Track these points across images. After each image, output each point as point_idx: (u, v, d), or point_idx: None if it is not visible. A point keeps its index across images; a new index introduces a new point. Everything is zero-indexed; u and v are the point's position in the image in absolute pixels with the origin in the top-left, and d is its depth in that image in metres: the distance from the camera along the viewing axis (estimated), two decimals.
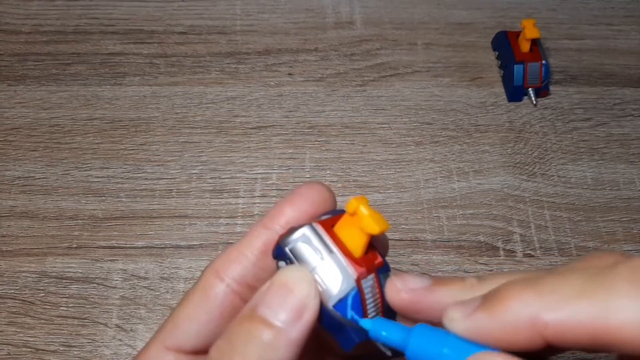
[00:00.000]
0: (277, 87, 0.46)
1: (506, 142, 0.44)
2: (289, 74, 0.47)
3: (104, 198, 0.40)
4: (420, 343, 0.19)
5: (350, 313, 0.20)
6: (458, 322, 0.18)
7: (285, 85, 0.46)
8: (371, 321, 0.20)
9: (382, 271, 0.21)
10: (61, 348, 0.35)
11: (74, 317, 0.36)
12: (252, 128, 0.44)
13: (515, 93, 0.45)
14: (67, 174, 0.41)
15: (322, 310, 0.20)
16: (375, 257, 0.21)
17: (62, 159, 0.42)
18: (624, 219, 0.40)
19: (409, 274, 0.21)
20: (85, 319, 0.36)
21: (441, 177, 0.42)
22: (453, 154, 0.43)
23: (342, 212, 0.22)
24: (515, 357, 0.17)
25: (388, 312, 0.21)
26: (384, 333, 0.20)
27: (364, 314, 0.20)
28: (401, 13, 0.51)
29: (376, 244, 0.22)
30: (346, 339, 0.20)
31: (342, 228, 0.21)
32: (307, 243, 0.20)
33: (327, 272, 0.20)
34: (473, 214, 0.40)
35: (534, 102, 0.45)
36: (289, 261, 0.20)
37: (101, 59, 0.47)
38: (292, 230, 0.21)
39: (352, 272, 0.20)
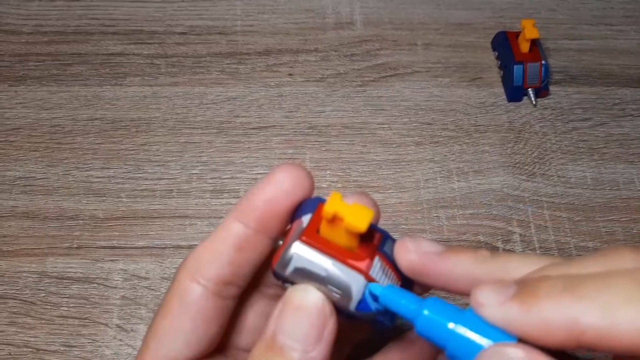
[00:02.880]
0: (278, 88, 0.46)
1: (506, 142, 0.44)
2: (289, 75, 0.47)
3: (104, 198, 0.40)
4: (432, 317, 0.19)
5: (373, 306, 0.20)
6: (490, 308, 0.18)
7: (286, 86, 0.46)
8: (382, 287, 0.20)
9: (385, 243, 0.21)
10: (62, 348, 0.35)
11: (75, 317, 0.36)
12: (252, 128, 0.44)
13: (515, 93, 0.45)
14: (67, 174, 0.41)
15: (347, 313, 0.20)
16: (372, 237, 0.20)
17: (63, 159, 0.42)
18: (624, 219, 0.40)
19: (423, 238, 0.20)
20: (85, 319, 0.36)
21: (441, 177, 0.42)
22: (453, 154, 0.43)
23: (320, 201, 0.21)
24: (538, 351, 0.17)
25: (405, 281, 0.21)
26: (394, 301, 0.19)
27: None
28: (401, 13, 0.51)
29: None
30: (379, 327, 0.20)
31: (328, 230, 0.20)
32: (302, 262, 0.20)
33: (336, 283, 0.19)
34: (473, 214, 0.40)
35: (534, 102, 0.45)
36: (292, 283, 0.20)
37: (102, 60, 0.47)
38: (283, 253, 0.20)
39: (357, 272, 0.20)
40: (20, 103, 0.44)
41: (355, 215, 0.19)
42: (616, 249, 0.18)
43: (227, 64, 0.47)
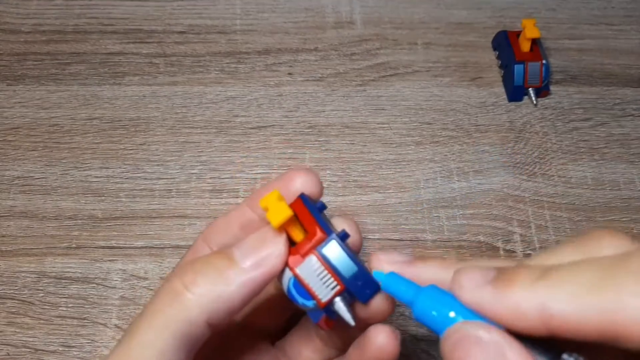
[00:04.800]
0: (277, 87, 0.46)
1: (506, 142, 0.43)
2: (289, 74, 0.46)
3: (103, 198, 0.40)
4: (429, 302, 0.19)
5: (301, 301, 0.22)
6: (465, 290, 0.19)
7: (285, 85, 0.46)
8: (384, 275, 0.21)
9: (326, 244, 0.22)
10: (60, 348, 0.34)
11: (73, 318, 0.35)
12: (251, 128, 0.44)
13: (515, 93, 0.45)
14: (66, 173, 0.41)
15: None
16: (312, 236, 0.22)
17: (62, 159, 0.42)
18: (624, 219, 0.40)
19: (394, 250, 0.22)
20: (84, 319, 0.35)
21: (441, 177, 0.42)
22: (453, 154, 0.43)
23: (323, 208, 0.24)
24: (502, 331, 0.18)
25: (352, 281, 0.22)
26: (393, 287, 0.21)
27: (312, 296, 0.21)
28: (401, 13, 0.51)
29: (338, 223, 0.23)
30: (312, 320, 0.22)
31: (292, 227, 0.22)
32: None
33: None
34: (473, 214, 0.40)
35: (534, 102, 0.45)
36: None
37: (100, 59, 0.47)
38: None
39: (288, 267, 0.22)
40: (19, 102, 0.44)
41: (274, 212, 0.21)
42: (594, 234, 0.19)
43: (227, 63, 0.47)
